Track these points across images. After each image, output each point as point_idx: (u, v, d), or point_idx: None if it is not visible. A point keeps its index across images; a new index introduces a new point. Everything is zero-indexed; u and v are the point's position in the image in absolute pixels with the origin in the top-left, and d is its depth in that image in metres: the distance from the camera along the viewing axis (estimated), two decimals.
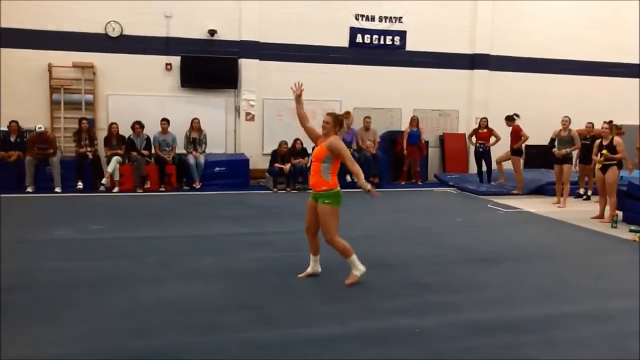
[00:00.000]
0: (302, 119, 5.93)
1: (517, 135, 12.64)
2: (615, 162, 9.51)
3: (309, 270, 5.97)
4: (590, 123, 11.98)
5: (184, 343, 4.29)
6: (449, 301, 5.34)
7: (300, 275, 5.94)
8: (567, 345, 4.44)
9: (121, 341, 4.30)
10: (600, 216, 9.86)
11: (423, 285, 5.85)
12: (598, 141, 9.94)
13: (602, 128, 9.84)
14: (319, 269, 5.95)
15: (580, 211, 10.58)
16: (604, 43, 15.74)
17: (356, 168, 5.60)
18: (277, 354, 4.15)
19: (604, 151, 9.54)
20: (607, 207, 9.72)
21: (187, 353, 4.13)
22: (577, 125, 11.59)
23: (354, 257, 5.73)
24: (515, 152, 12.68)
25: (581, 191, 12.35)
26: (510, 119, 12.81)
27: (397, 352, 4.24)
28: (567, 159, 11.15)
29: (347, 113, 5.90)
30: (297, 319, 4.85)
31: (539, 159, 15.31)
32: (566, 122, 11.18)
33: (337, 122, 5.70)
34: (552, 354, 4.29)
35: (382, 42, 14.66)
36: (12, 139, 11.98)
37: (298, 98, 5.95)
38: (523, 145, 12.75)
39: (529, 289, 5.86)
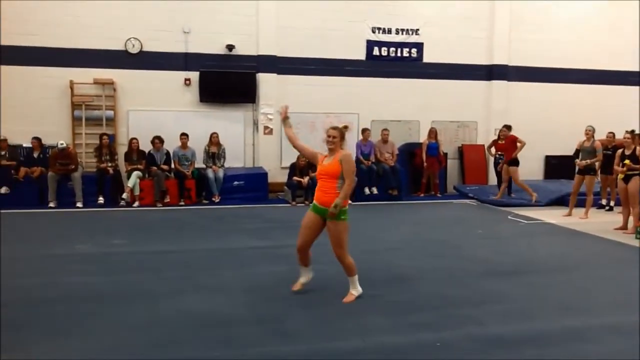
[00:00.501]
0: (292, 139, 5.88)
1: (513, 144, 12.60)
2: (638, 172, 9.38)
3: (303, 279, 5.85)
4: (611, 133, 11.85)
5: (204, 357, 4.29)
6: (470, 314, 5.28)
7: (295, 288, 5.80)
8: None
9: (141, 354, 4.31)
10: (624, 227, 9.72)
11: (444, 298, 5.79)
12: (620, 151, 9.81)
13: (624, 138, 9.72)
14: (312, 274, 5.87)
15: (603, 222, 10.43)
16: (623, 52, 15.58)
17: (349, 191, 5.48)
18: None
19: (627, 161, 9.41)
20: (631, 218, 9.58)
21: None
22: (598, 135, 11.45)
23: (357, 277, 5.67)
24: (512, 162, 12.62)
25: (604, 202, 12.19)
26: (508, 128, 12.86)
27: None
28: (589, 169, 11.01)
29: (346, 127, 5.78)
30: (317, 332, 4.82)
31: (560, 170, 15.18)
32: (590, 132, 11.04)
33: (343, 135, 5.62)
34: None
35: (399, 54, 14.67)
36: (35, 155, 12.17)
37: (284, 120, 5.93)
38: (519, 154, 12.68)
39: (552, 301, 5.77)
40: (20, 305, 5.37)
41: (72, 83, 12.91)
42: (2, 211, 10.58)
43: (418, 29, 14.69)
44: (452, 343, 4.59)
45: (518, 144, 12.59)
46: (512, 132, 12.86)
